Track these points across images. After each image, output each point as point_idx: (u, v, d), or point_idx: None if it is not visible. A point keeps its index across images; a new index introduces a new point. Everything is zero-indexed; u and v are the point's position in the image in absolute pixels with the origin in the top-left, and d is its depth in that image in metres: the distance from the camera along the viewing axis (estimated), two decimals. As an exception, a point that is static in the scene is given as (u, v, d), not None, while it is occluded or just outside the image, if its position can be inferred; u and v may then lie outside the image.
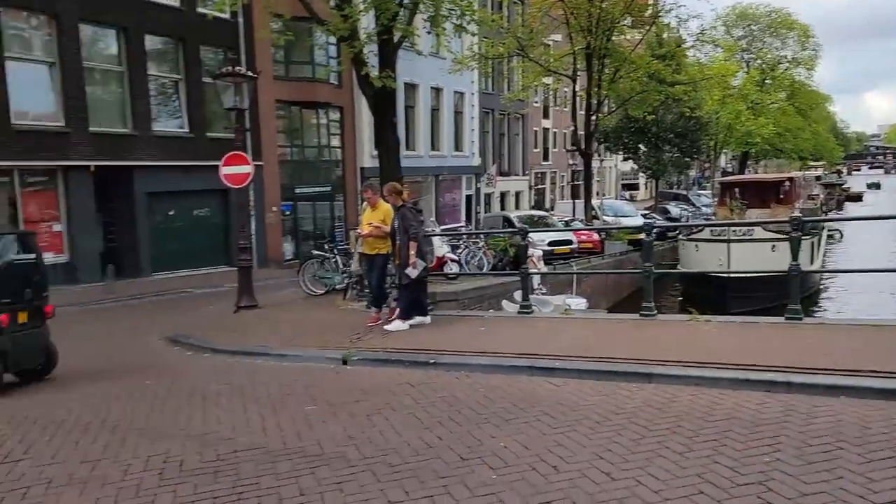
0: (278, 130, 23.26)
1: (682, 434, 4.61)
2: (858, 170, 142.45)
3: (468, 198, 33.43)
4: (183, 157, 19.58)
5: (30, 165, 16.58)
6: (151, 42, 19.45)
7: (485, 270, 16.08)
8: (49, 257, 17.23)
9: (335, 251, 13.60)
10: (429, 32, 13.88)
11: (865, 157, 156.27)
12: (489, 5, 29.70)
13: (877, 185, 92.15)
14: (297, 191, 23.92)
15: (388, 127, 13.45)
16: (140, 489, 4.12)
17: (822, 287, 24.09)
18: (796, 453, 4.15)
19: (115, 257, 18.47)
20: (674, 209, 35.16)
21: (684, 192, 45.43)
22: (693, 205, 37.14)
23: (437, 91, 29.84)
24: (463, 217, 32.57)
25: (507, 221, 22.75)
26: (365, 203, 9.40)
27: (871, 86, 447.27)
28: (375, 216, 8.84)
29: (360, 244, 9.89)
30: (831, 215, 52.47)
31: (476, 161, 33.48)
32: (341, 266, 12.86)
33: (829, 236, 32.65)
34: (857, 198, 74.21)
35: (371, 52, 13.02)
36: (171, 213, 20.30)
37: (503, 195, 37.47)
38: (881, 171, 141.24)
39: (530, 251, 16.45)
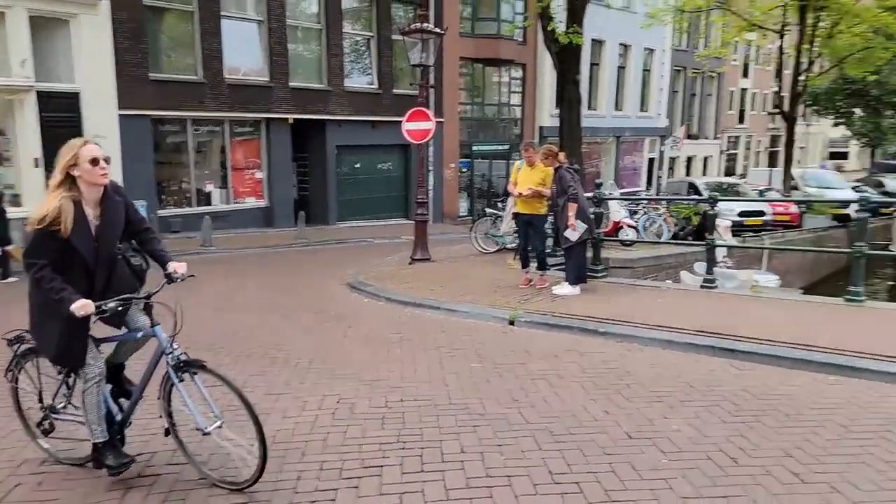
0: (460, 87, 23.49)
1: (892, 440, 4.03)
2: None
3: (651, 161, 31.80)
4: (370, 112, 20.48)
5: (239, 117, 18.20)
6: (348, 1, 20.35)
7: (664, 239, 15.30)
8: (251, 202, 19.09)
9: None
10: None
11: None
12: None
13: None
14: (475, 148, 24.14)
15: (570, 85, 13.01)
16: (314, 426, 4.38)
17: None
18: None
19: (306, 205, 19.91)
20: (890, 183, 30.91)
21: (905, 165, 39.79)
22: (915, 178, 32.38)
23: (625, 48, 28.42)
24: (644, 181, 31.11)
25: (693, 188, 21.32)
26: (519, 162, 9.12)
27: None
28: (534, 176, 8.58)
29: (512, 204, 9.68)
30: None
31: (663, 122, 31.63)
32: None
33: None
34: None
35: (559, 7, 12.58)
36: (357, 165, 21.41)
37: (690, 160, 35.18)
38: None
39: (717, 221, 15.37)
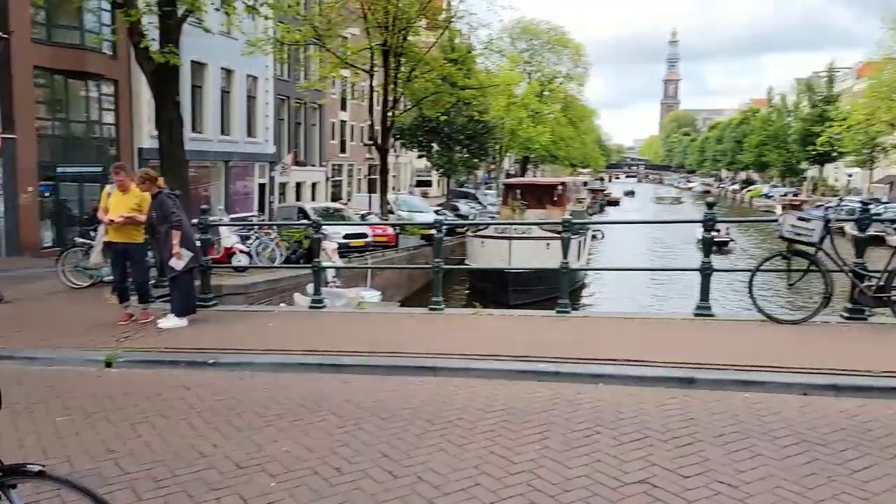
0: (38, 101, 20.42)
1: (463, 426, 4.77)
2: (618, 178, 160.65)
3: (262, 186, 32.11)
4: None
5: None
6: None
7: (277, 263, 15.59)
8: None
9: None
10: (217, 9, 12.97)
11: (622, 166, 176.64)
12: (286, -11, 28.69)
13: (632, 193, 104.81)
14: (61, 170, 21.19)
15: (170, 106, 12.38)
16: None
17: (586, 282, 26.71)
18: (562, 440, 4.47)
19: None
20: (463, 207, 36.82)
21: (473, 191, 47.87)
22: (480, 203, 39.17)
23: (228, 73, 28.21)
24: (255, 206, 31.21)
25: (303, 212, 22.24)
26: (110, 186, 8.42)
27: (631, 104, 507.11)
28: (129, 202, 8.02)
29: (103, 232, 8.92)
30: (595, 217, 58.41)
31: (271, 148, 32.25)
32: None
33: (593, 236, 36.33)
34: (616, 202, 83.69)
35: (151, 24, 11.89)
36: None
37: (299, 185, 36.57)
38: (635, 179, 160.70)
39: (325, 244, 16.26)
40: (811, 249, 7.23)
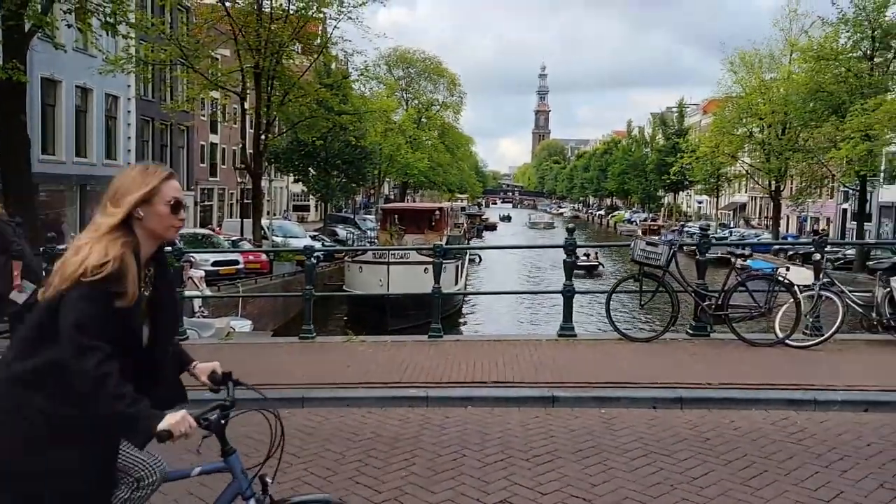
0: None
1: (329, 458, 4.70)
2: (495, 203, 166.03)
3: (122, 212, 30.26)
4: None
5: None
6: None
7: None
8: None
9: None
10: (69, 26, 12.21)
11: (499, 192, 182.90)
12: (149, 7, 27.51)
13: (508, 218, 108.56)
14: None
15: (14, 125, 11.47)
16: None
17: (464, 306, 27.24)
18: (428, 464, 4.52)
19: None
20: (341, 231, 36.54)
21: (351, 216, 47.65)
22: (359, 228, 39.06)
23: (84, 91, 26.50)
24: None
25: (167, 240, 21.15)
26: None
27: (505, 133, 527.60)
28: None
29: None
30: (473, 242, 59.83)
31: (132, 172, 30.54)
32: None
33: (471, 260, 37.19)
34: (493, 227, 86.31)
35: (-6, 38, 11.03)
36: None
37: (164, 211, 34.83)
38: (510, 205, 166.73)
39: (191, 272, 15.57)
40: (660, 272, 7.81)
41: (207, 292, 16.00)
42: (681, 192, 75.91)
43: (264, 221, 26.97)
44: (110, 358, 2.05)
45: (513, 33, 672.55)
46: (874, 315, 7.50)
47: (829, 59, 30.96)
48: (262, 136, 23.50)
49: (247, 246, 23.63)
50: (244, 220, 28.69)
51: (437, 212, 30.50)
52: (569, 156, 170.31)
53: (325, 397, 5.98)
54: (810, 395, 5.72)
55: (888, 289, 7.40)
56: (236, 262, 20.80)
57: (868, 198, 35.12)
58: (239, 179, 27.71)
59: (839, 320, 7.30)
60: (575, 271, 8.76)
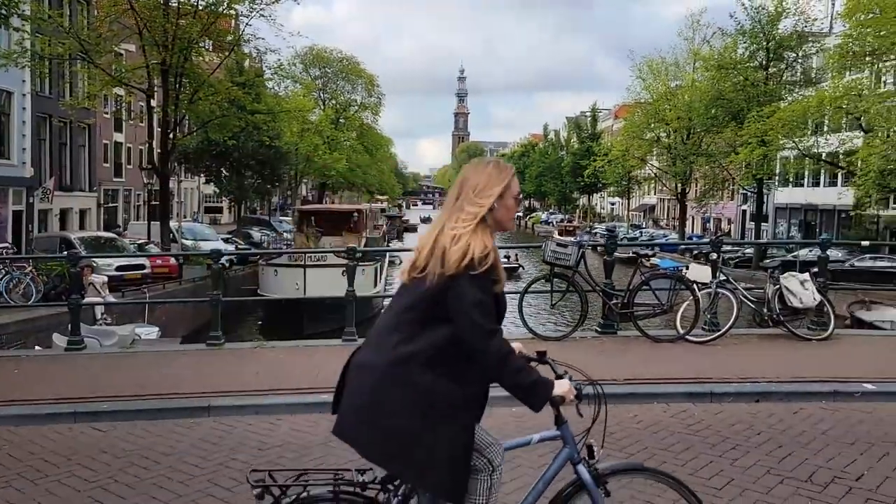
0: None
1: (235, 468, 4.56)
2: (416, 204, 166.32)
3: (17, 214, 28.36)
4: None
5: None
6: None
7: (33, 301, 13.94)
8: None
9: None
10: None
11: (419, 194, 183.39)
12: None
13: (429, 220, 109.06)
14: None
15: None
16: None
17: (383, 309, 27.08)
18: (337, 470, 4.45)
19: None
20: (256, 234, 35.65)
21: (267, 218, 46.52)
22: (275, 230, 38.20)
23: (-27, 86, 24.75)
24: (9, 237, 27.47)
25: (67, 243, 20.00)
26: None
27: (426, 134, 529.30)
28: None
29: None
30: (393, 244, 59.68)
31: (28, 171, 28.65)
32: None
33: (391, 262, 37.08)
34: (414, 229, 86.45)
35: None
36: None
37: (64, 213, 32.88)
38: (431, 206, 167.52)
39: (92, 277, 14.79)
40: (569, 272, 8.01)
41: (111, 298, 15.25)
42: (595, 194, 78.34)
43: (173, 224, 25.95)
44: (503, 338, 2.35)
45: (432, 35, 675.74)
46: (766, 311, 7.97)
47: (728, 69, 32.73)
48: (171, 136, 22.62)
49: (154, 250, 22.66)
50: (152, 222, 27.46)
51: (356, 213, 30.18)
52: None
53: (232, 405, 5.79)
54: (707, 387, 6.01)
55: (778, 286, 7.88)
56: (143, 267, 19.93)
57: (765, 199, 37.37)
58: (146, 180, 26.45)
59: (734, 316, 7.71)
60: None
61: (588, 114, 77.66)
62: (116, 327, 13.45)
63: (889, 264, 28.57)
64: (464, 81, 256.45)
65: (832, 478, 4.23)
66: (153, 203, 28.88)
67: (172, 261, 21.48)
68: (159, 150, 22.45)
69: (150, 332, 14.40)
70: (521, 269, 38.64)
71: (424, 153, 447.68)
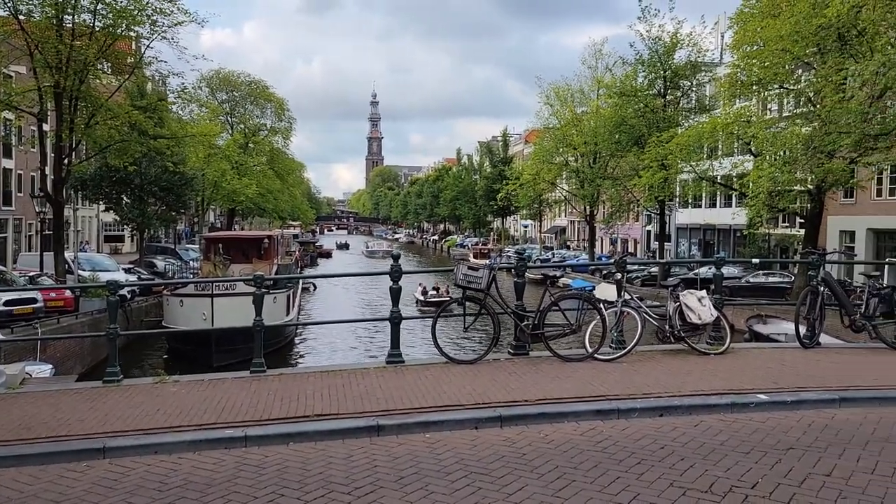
0: None
1: (128, 513, 4.28)
2: (330, 230, 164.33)
3: None
4: None
5: None
6: None
7: None
8: None
9: None
10: None
11: (333, 219, 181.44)
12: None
13: (346, 246, 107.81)
14: None
15: None
16: None
17: (296, 337, 26.44)
18: (242, 510, 4.26)
19: None
20: (161, 263, 34.19)
21: (172, 246, 44.69)
22: (181, 259, 36.74)
23: None
24: None
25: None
26: None
27: (339, 159, 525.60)
28: None
29: None
30: (307, 270, 58.63)
31: None
32: None
33: (305, 289, 36.34)
34: (328, 255, 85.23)
35: None
36: None
37: (-55, 245, 30.49)
38: (345, 231, 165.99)
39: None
40: (481, 295, 8.08)
41: (-2, 336, 14.18)
42: (508, 217, 79.90)
43: (69, 255, 24.50)
44: None
45: (344, 61, 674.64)
46: (668, 327, 8.29)
47: (629, 96, 34.35)
48: (66, 161, 21.44)
49: (48, 282, 21.29)
50: (45, 253, 25.82)
51: (266, 240, 29.49)
52: (402, 182, 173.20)
53: (129, 445, 5.45)
54: (614, 404, 6.17)
55: (678, 303, 8.23)
56: (34, 301, 18.66)
57: (667, 220, 39.20)
58: (38, 209, 24.89)
59: (638, 334, 7.98)
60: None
61: (499, 138, 79.40)
62: (4, 366, 12.48)
63: (780, 280, 30.56)
64: (376, 106, 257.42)
65: (730, 487, 4.40)
66: (47, 233, 27.21)
67: (68, 293, 20.23)
68: (53, 177, 21.21)
69: (42, 369, 13.48)
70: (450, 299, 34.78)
71: (339, 178, 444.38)
